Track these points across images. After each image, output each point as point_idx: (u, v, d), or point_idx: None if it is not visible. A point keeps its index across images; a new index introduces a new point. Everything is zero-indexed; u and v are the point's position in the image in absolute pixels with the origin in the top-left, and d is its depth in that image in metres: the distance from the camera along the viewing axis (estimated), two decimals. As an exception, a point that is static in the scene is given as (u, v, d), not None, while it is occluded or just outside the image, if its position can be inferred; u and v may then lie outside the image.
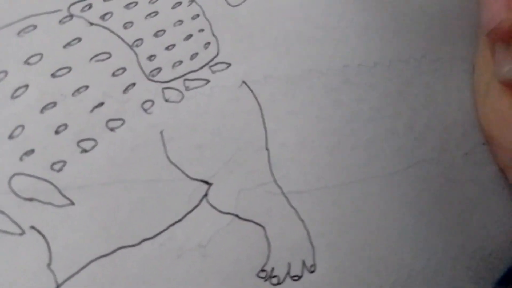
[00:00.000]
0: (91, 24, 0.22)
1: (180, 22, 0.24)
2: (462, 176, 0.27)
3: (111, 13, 0.23)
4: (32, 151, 0.21)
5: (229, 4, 0.25)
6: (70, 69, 0.22)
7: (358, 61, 0.26)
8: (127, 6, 0.23)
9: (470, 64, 0.29)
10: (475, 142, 0.28)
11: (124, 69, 0.22)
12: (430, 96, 0.28)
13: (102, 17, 0.23)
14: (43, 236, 0.20)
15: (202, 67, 0.24)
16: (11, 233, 0.20)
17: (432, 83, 0.28)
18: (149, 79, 0.23)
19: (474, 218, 0.27)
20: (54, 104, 0.21)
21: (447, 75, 0.28)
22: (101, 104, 0.22)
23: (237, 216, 0.23)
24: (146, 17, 0.23)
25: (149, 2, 0.24)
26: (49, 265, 0.20)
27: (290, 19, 0.26)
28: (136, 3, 0.23)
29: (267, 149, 0.24)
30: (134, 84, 0.22)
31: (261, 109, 0.24)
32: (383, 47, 0.27)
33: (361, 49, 0.26)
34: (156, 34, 0.23)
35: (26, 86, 0.21)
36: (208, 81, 0.24)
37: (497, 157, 0.28)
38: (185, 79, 0.23)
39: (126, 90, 0.22)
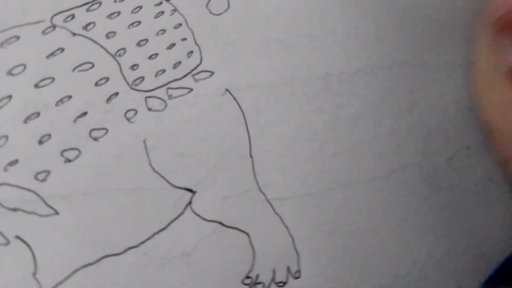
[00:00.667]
0: (74, 34, 0.23)
1: (163, 31, 0.24)
2: (446, 181, 0.28)
3: (94, 23, 0.23)
4: (16, 161, 0.21)
5: (212, 13, 0.25)
6: (53, 79, 0.22)
7: (340, 69, 0.26)
8: (109, 16, 0.23)
9: (453, 69, 0.30)
10: (458, 147, 0.28)
11: (107, 79, 0.23)
12: (413, 102, 0.28)
13: (85, 27, 0.23)
14: (28, 246, 0.21)
15: (185, 76, 0.24)
16: (-5, 243, 0.20)
17: (415, 89, 0.28)
18: (132, 88, 0.23)
19: (458, 222, 0.28)
20: (37, 114, 0.21)
21: (429, 81, 0.29)
22: (84, 113, 0.22)
23: (221, 223, 0.23)
24: (128, 27, 0.23)
25: (132, 12, 0.24)
26: (34, 274, 0.20)
27: (273, 27, 0.26)
28: (119, 12, 0.24)
29: (251, 156, 0.24)
30: (117, 94, 0.22)
31: (244, 117, 0.24)
32: (365, 54, 0.27)
33: (343, 57, 0.27)
34: (139, 44, 0.23)
35: (10, 96, 0.21)
36: (191, 89, 0.24)
37: (499, 150, 0.29)
38: (168, 88, 0.23)
39: (109, 99, 0.22)
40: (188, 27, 0.24)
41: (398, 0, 0.29)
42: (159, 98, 0.23)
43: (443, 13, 0.30)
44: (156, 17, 0.24)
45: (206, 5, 0.25)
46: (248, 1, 0.26)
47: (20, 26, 0.22)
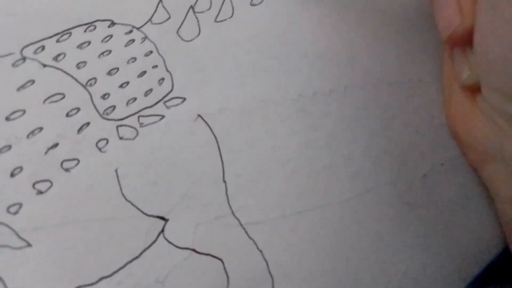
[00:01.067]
0: (44, 65, 0.23)
1: (134, 59, 0.24)
2: (420, 199, 0.28)
3: (64, 53, 0.23)
4: (-13, 195, 0.21)
5: (183, 40, 0.25)
6: (24, 111, 0.22)
7: (313, 90, 0.27)
8: (80, 46, 0.24)
9: (427, 85, 0.30)
10: (433, 164, 0.29)
11: (78, 109, 0.23)
12: (387, 120, 0.28)
13: (55, 58, 0.23)
14: (1, 279, 0.21)
15: (156, 103, 0.24)
16: (-33, 278, 0.20)
17: (389, 107, 0.28)
18: (103, 118, 0.23)
19: (433, 239, 0.28)
20: (9, 147, 0.22)
21: (403, 98, 0.29)
22: (56, 145, 0.22)
23: (194, 250, 0.23)
24: (99, 56, 0.24)
25: (102, 41, 0.24)
26: (8, 306, 0.21)
27: (244, 51, 0.26)
28: (89, 42, 0.24)
29: (224, 181, 0.24)
30: (88, 124, 0.23)
31: (217, 142, 0.24)
32: (338, 74, 0.27)
33: (316, 77, 0.27)
34: (109, 73, 0.24)
35: (-20, 130, 0.21)
36: (163, 116, 0.24)
37: (468, 157, 0.29)
38: (140, 116, 0.24)
39: (80, 130, 0.23)
40: (159, 54, 0.25)
41: (370, 19, 0.29)
42: (131, 127, 0.23)
43: (416, 31, 0.30)
44: (126, 45, 0.24)
45: (177, 32, 0.25)
46: (218, 26, 0.26)
47: (-11, 59, 0.22)
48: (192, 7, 0.26)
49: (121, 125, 0.23)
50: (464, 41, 0.25)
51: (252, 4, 0.27)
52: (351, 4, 0.29)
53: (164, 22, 0.25)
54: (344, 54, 0.28)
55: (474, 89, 0.27)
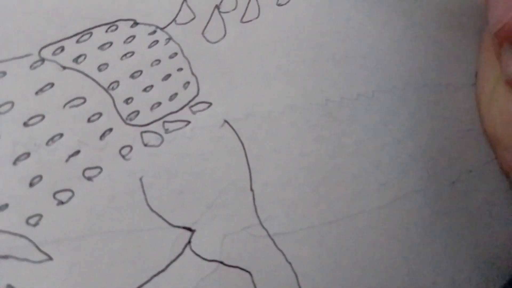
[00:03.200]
0: (64, 68, 0.22)
1: (158, 61, 0.23)
2: (450, 206, 0.27)
3: (85, 55, 0.22)
4: (6, 205, 0.20)
5: (208, 41, 0.24)
6: (43, 117, 0.21)
7: (340, 94, 0.26)
8: (101, 47, 0.22)
9: (455, 90, 0.29)
10: (461, 170, 0.28)
11: (100, 114, 0.22)
12: (415, 126, 0.27)
13: (75, 60, 0.22)
14: (20, 295, 0.20)
15: (182, 108, 0.23)
16: (-14, 294, 0.19)
17: (417, 111, 0.27)
18: (126, 124, 0.22)
19: (462, 248, 0.27)
20: (27, 155, 0.20)
21: (431, 103, 0.28)
22: (77, 152, 0.21)
23: (222, 263, 0.22)
24: (121, 58, 0.22)
25: (125, 42, 0.23)
26: (27, 323, 0.19)
27: (270, 54, 0.25)
28: (111, 43, 0.22)
29: (251, 189, 0.23)
30: (111, 130, 0.21)
31: (244, 148, 0.23)
32: (366, 78, 0.26)
33: (343, 82, 0.26)
34: (132, 76, 0.22)
35: (-3, 136, 0.20)
36: (189, 122, 0.23)
37: (503, 161, 0.28)
38: (165, 121, 0.22)
39: (102, 136, 0.21)
40: (184, 56, 0.23)
41: (397, 22, 0.28)
42: (155, 133, 0.22)
43: (445, 34, 0.29)
44: (150, 46, 0.23)
45: (202, 33, 0.24)
46: (245, 27, 0.25)
47: (6, 60, 0.21)
48: (217, 6, 0.25)
49: (145, 131, 0.22)
50: None
51: (278, 4, 0.26)
52: (379, 5, 0.28)
53: (189, 22, 0.24)
54: (372, 57, 0.27)
55: None
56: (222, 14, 0.25)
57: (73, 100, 0.21)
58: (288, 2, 0.26)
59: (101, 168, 0.21)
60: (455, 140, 0.28)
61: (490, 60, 0.28)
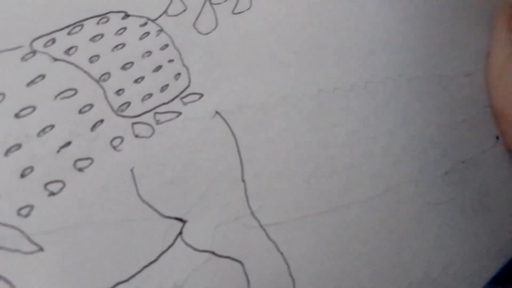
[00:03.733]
0: (55, 59, 0.22)
1: (149, 53, 0.23)
2: (442, 197, 0.27)
3: (76, 47, 0.22)
4: (-3, 196, 0.20)
5: (199, 32, 0.24)
6: (34, 108, 0.21)
7: (333, 85, 0.26)
8: (92, 38, 0.22)
9: (447, 81, 0.29)
10: (454, 161, 0.28)
11: (91, 106, 0.22)
12: (408, 117, 0.27)
13: (67, 52, 0.22)
14: (12, 285, 0.20)
15: (173, 99, 0.23)
16: (-22, 285, 0.19)
17: (410, 103, 0.27)
18: (118, 115, 0.22)
19: (454, 238, 0.27)
20: (18, 146, 0.20)
21: (424, 94, 0.28)
22: (68, 143, 0.21)
23: (213, 253, 0.22)
24: (113, 50, 0.22)
25: (116, 34, 0.23)
26: (19, 313, 0.19)
27: (262, 45, 0.25)
28: (102, 35, 0.23)
29: (243, 180, 0.23)
30: (102, 121, 0.22)
31: (236, 140, 0.23)
32: (359, 68, 0.26)
33: (336, 72, 0.26)
34: (124, 67, 0.22)
35: (-11, 127, 0.20)
36: (180, 113, 0.23)
37: (508, 137, 0.28)
38: (156, 113, 0.22)
39: (94, 127, 0.21)
40: (175, 47, 0.23)
41: (389, 13, 0.28)
42: (147, 124, 0.22)
43: (438, 25, 0.29)
44: (141, 38, 0.23)
45: (193, 24, 0.24)
46: (236, 18, 0.25)
47: (-3, 52, 0.21)
48: (209, -3, 0.25)
49: (136, 122, 0.22)
50: None
51: (271, -5, 0.26)
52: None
53: (180, 14, 0.24)
54: (365, 47, 0.27)
55: None
56: (214, 6, 0.25)
57: (64, 91, 0.21)
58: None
59: (92, 159, 0.21)
60: (448, 131, 0.28)
61: (500, 40, 0.28)
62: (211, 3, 0.25)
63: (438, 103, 0.28)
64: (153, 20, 0.23)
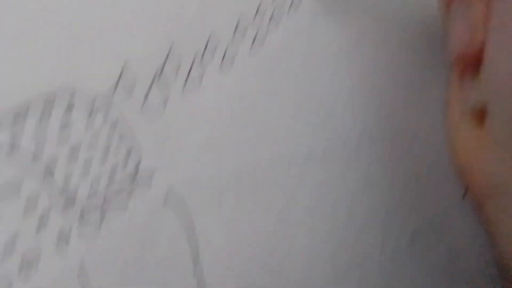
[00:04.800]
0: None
1: (98, 131, 0.22)
2: (407, 262, 0.26)
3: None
4: None
5: (151, 107, 0.23)
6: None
7: (288, 157, 0.25)
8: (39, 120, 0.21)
9: (411, 139, 0.28)
10: (420, 223, 0.27)
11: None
12: (370, 180, 0.26)
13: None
14: None
15: (124, 178, 0.22)
16: None
17: (371, 166, 0.27)
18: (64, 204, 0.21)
19: None
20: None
21: (385, 155, 0.27)
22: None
23: None
24: (59, 131, 0.21)
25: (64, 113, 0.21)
26: None
27: (216, 119, 0.24)
28: (50, 114, 0.21)
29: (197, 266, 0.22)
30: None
31: (190, 221, 0.22)
32: (315, 136, 0.25)
33: (291, 142, 0.25)
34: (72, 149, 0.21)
35: None
36: (130, 194, 0.22)
37: (472, 189, 0.28)
38: (104, 201, 0.21)
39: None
40: (126, 123, 0.22)
41: (349, 72, 0.27)
42: (96, 214, 0.21)
43: (396, 82, 0.28)
44: (90, 115, 0.22)
45: (143, 101, 0.23)
46: (186, 95, 0.24)
47: None
48: (159, 74, 0.23)
49: (82, 220, 0.21)
50: (474, 61, 0.24)
51: (221, 73, 0.25)
52: (328, 58, 0.27)
53: (130, 88, 0.23)
54: (321, 112, 0.26)
55: (482, 116, 0.25)
56: (163, 82, 0.23)
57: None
58: (231, 68, 0.25)
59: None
60: (413, 191, 0.27)
61: (455, 90, 0.28)
62: (160, 80, 0.23)
63: (400, 162, 0.27)
64: (102, 96, 0.22)
